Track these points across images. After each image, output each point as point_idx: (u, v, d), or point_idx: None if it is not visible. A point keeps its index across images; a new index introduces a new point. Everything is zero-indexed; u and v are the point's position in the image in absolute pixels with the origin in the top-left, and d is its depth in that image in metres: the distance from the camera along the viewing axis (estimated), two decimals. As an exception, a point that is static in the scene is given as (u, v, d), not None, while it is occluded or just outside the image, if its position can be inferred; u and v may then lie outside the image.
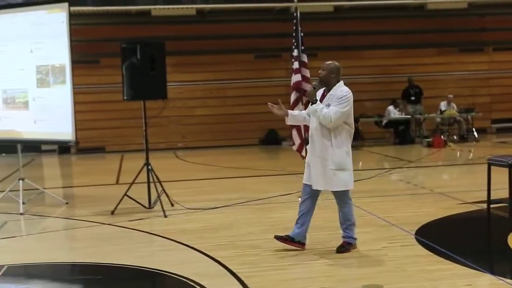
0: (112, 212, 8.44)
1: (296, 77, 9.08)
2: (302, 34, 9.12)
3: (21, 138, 9.45)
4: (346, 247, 6.11)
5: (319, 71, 6.07)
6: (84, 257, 6.39)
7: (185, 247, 6.56)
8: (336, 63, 6.15)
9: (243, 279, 5.37)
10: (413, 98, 17.67)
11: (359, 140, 16.58)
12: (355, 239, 6.20)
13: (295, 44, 9.13)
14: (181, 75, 17.16)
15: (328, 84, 6.04)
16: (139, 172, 8.59)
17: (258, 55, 17.98)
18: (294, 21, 9.16)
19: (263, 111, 17.61)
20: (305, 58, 9.13)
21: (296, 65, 9.10)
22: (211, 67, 17.81)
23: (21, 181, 9.26)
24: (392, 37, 18.41)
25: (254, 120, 17.32)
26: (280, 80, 17.34)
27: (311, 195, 6.18)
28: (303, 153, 9.00)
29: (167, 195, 8.72)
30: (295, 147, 9.16)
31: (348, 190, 6.12)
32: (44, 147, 17.07)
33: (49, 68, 9.01)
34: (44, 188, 10.26)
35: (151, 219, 8.11)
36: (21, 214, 8.61)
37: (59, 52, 8.87)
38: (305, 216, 6.19)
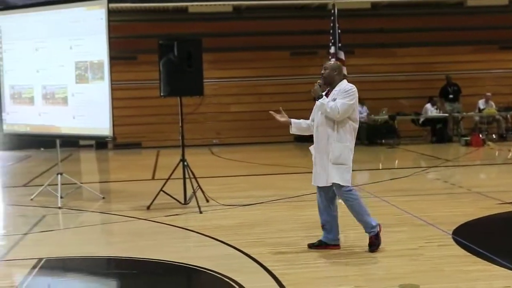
0: (148, 207, 8.51)
1: (332, 74, 9.01)
2: (339, 31, 9.06)
3: (60, 133, 9.58)
4: (374, 242, 6.04)
5: (322, 71, 6.08)
6: (120, 252, 6.45)
7: (220, 243, 6.58)
8: (337, 63, 6.29)
9: (277, 276, 5.37)
10: (451, 96, 17.44)
11: (395, 138, 16.45)
12: (377, 224, 6.08)
13: (332, 41, 9.11)
14: (217, 72, 17.21)
15: (332, 82, 6.05)
16: (175, 168, 8.64)
17: (294, 52, 17.92)
18: (332, 18, 9.13)
19: (298, 108, 17.55)
20: (342, 55, 9.11)
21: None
22: (247, 64, 17.83)
23: (59, 175, 9.40)
24: (430, 34, 18.16)
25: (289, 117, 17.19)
26: (315, 77, 17.19)
27: (326, 198, 6.10)
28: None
29: (203, 191, 8.75)
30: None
31: (349, 187, 6.03)
32: (81, 142, 17.28)
33: (87, 64, 9.11)
34: (82, 183, 10.40)
35: (187, 214, 8.16)
36: (59, 208, 8.74)
37: (97, 48, 8.97)
38: (329, 223, 6.14)
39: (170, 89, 8.51)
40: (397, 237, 6.54)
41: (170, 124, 15.83)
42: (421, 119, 17.10)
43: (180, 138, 8.78)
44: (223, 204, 8.60)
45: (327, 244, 6.15)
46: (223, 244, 6.52)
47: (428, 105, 17.03)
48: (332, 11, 9.13)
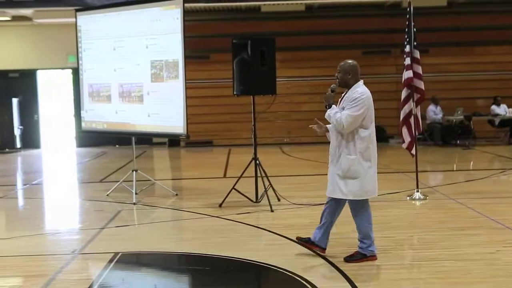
0: (220, 205, 8.60)
1: (407, 74, 8.89)
2: (415, 29, 8.90)
3: (135, 130, 9.79)
4: (355, 256, 5.76)
5: (335, 74, 5.82)
6: (192, 248, 6.54)
7: (291, 242, 6.58)
8: (352, 62, 5.83)
9: (350, 277, 5.32)
10: None
11: (470, 139, 16.04)
12: (371, 251, 5.76)
13: (407, 39, 8.92)
14: (289, 71, 17.20)
15: (347, 85, 5.77)
16: (247, 166, 8.69)
17: (366, 51, 17.72)
18: (407, 16, 8.95)
19: (371, 108, 17.49)
20: (417, 54, 8.92)
21: (408, 61, 8.91)
22: (319, 62, 17.73)
23: (134, 172, 9.61)
24: (506, 32, 17.61)
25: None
26: (388, 76, 17.07)
27: (330, 204, 5.94)
28: (413, 151, 8.81)
29: (274, 190, 8.77)
30: (404, 145, 8.96)
31: (362, 200, 5.73)
32: (154, 140, 17.64)
33: (163, 63, 9.28)
34: (155, 180, 10.60)
35: (258, 213, 8.19)
36: (134, 204, 8.93)
37: (172, 47, 9.12)
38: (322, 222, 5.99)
39: (243, 88, 8.57)
40: (474, 240, 6.38)
41: (242, 122, 15.97)
42: (497, 121, 16.58)
43: (252, 136, 8.83)
44: (294, 203, 8.59)
45: (313, 243, 5.97)
46: (294, 243, 6.51)
47: (494, 106, 16.49)
48: (408, 8, 8.94)
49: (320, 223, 5.99)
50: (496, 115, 16.36)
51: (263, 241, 6.93)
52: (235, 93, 8.72)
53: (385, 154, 15.86)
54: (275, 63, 8.69)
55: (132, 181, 9.40)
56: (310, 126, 6.09)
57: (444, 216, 7.69)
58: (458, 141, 16.02)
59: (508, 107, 16.47)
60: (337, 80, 5.82)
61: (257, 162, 8.65)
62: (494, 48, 17.73)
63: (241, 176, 8.70)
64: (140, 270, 6.16)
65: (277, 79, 8.80)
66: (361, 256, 5.76)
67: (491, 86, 17.43)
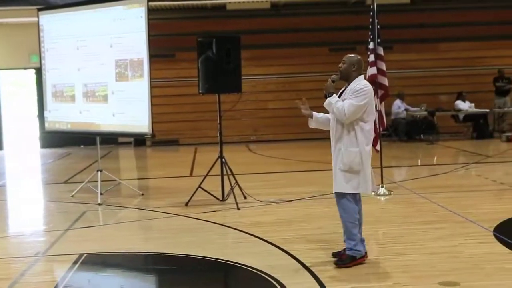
0: (186, 204, 8.57)
1: (371, 70, 8.97)
2: (378, 26, 8.98)
3: (100, 130, 9.70)
4: (344, 260, 5.57)
5: (340, 65, 5.68)
6: (159, 248, 6.51)
7: (258, 239, 6.59)
8: (358, 56, 5.71)
9: (316, 273, 5.35)
10: (500, 86, 17.16)
11: (434, 134, 16.25)
12: (359, 251, 5.58)
13: (371, 36, 9.00)
14: (255, 69, 17.23)
15: (348, 78, 5.62)
16: (213, 165, 8.68)
17: (332, 48, 17.82)
18: (371, 13, 9.03)
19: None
20: (381, 51, 9.00)
21: (372, 58, 8.98)
22: (285, 60, 17.80)
23: (99, 172, 9.53)
24: (472, 28, 17.86)
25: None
26: (354, 73, 17.17)
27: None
28: (378, 147, 8.89)
29: (240, 188, 8.78)
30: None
31: (354, 194, 5.60)
32: (120, 140, 17.51)
33: (127, 62, 9.21)
34: (121, 180, 10.52)
35: (225, 211, 8.19)
36: (99, 204, 8.85)
37: (137, 46, 9.05)
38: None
39: (208, 86, 8.56)
40: (438, 234, 6.47)
41: (208, 121, 15.94)
42: (461, 116, 16.83)
43: (218, 135, 8.82)
44: (261, 201, 8.61)
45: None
46: (261, 241, 6.53)
47: (458, 101, 16.74)
48: (372, 6, 9.02)
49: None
50: (460, 110, 16.60)
51: (229, 239, 6.93)
52: (200, 91, 8.70)
53: (351, 150, 15.97)
54: (241, 61, 8.68)
55: (97, 181, 9.32)
56: (296, 101, 5.86)
57: (408, 210, 7.79)
58: (422, 136, 16.23)
59: (471, 102, 16.74)
60: (339, 71, 5.68)
61: (223, 160, 8.65)
62: (458, 44, 17.97)
63: (207, 175, 8.69)
64: (106, 271, 6.10)
65: (242, 77, 8.81)
66: (351, 259, 5.56)
67: (455, 82, 17.68)
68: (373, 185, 5.71)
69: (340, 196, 5.64)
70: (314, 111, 5.88)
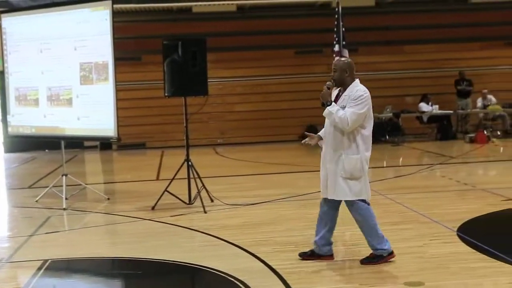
0: (153, 208, 8.52)
1: (336, 73, 9.00)
2: (343, 29, 9.05)
3: (65, 134, 9.59)
4: (373, 259, 5.61)
5: (332, 74, 5.60)
6: (125, 252, 6.46)
7: (225, 242, 6.58)
8: (347, 60, 5.66)
9: (283, 275, 5.36)
10: (462, 91, 17.43)
11: (399, 135, 16.43)
12: (385, 250, 5.63)
13: (336, 39, 9.08)
14: (221, 71, 17.21)
15: (343, 84, 5.54)
16: (180, 168, 8.65)
17: (298, 51, 17.91)
18: (336, 16, 9.10)
19: (303, 107, 17.71)
20: (346, 53, 9.09)
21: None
22: (251, 63, 17.82)
23: (64, 176, 9.41)
24: (435, 31, 18.11)
25: (294, 116, 17.25)
26: (320, 75, 17.24)
27: (327, 209, 5.73)
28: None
29: (207, 191, 8.76)
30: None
31: (362, 200, 5.60)
32: (86, 144, 17.33)
33: (92, 66, 9.13)
34: (86, 184, 10.42)
35: (191, 214, 8.16)
36: (64, 209, 8.75)
37: (102, 49, 8.98)
38: (321, 231, 5.76)
39: (174, 89, 8.52)
40: (403, 235, 6.53)
41: (175, 124, 15.87)
42: (425, 118, 17.04)
43: (185, 138, 8.79)
44: (227, 204, 8.60)
45: (320, 255, 5.78)
46: (228, 244, 6.52)
47: (422, 103, 16.96)
48: (336, 9, 9.09)
49: (320, 233, 5.76)
50: (423, 112, 16.81)
51: (196, 242, 6.90)
52: (166, 94, 8.66)
53: (318, 152, 16.03)
54: (207, 64, 8.66)
55: (62, 186, 9.21)
56: (302, 142, 5.81)
57: (375, 212, 7.77)
58: (387, 138, 16.40)
59: (435, 104, 16.96)
60: (332, 78, 5.59)
61: (190, 163, 8.63)
62: (422, 46, 18.20)
63: (173, 178, 8.65)
64: (71, 277, 6.03)
65: (209, 80, 8.80)
66: (379, 258, 5.59)
67: (419, 84, 17.90)
68: None
69: (349, 203, 5.61)
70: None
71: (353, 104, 5.42)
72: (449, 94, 17.67)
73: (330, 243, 5.79)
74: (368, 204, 5.65)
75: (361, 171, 5.51)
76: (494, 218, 7.40)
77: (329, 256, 5.79)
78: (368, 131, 5.56)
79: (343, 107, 5.46)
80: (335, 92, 5.67)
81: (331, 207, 5.70)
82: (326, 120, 5.64)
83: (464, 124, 17.62)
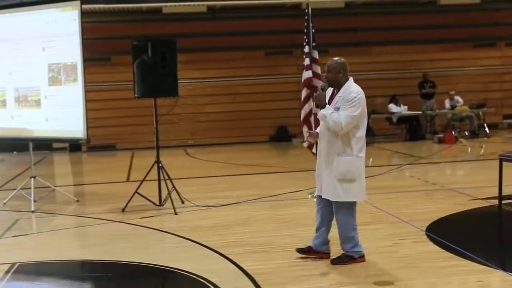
0: (123, 210, 8.46)
1: (307, 74, 9.06)
2: (313, 30, 9.09)
3: (33, 136, 9.48)
4: (343, 258, 5.63)
5: (325, 74, 5.62)
6: (95, 255, 6.41)
7: (196, 244, 6.57)
8: (340, 60, 5.65)
9: (253, 276, 5.37)
10: (427, 92, 17.62)
11: (369, 136, 16.54)
12: (359, 252, 5.66)
13: (306, 40, 9.10)
14: (191, 72, 17.15)
15: (338, 84, 5.56)
16: (150, 170, 8.60)
17: (269, 52, 17.93)
18: (306, 17, 9.13)
19: (274, 108, 17.75)
20: (316, 55, 9.11)
21: (307, 61, 9.08)
22: (221, 64, 17.80)
23: (32, 179, 9.30)
24: (404, 32, 18.28)
25: (264, 117, 17.28)
26: (290, 76, 17.30)
27: (324, 206, 5.75)
28: (314, 150, 8.98)
29: (178, 193, 8.73)
30: (305, 144, 9.11)
31: (353, 202, 5.63)
32: (55, 145, 17.13)
33: (61, 66, 9.03)
34: (55, 186, 10.31)
35: (162, 216, 8.13)
36: (33, 212, 8.64)
37: (71, 50, 8.88)
38: (321, 228, 5.79)
39: (144, 90, 8.48)
40: (373, 235, 6.58)
41: (145, 125, 15.74)
42: (394, 118, 17.20)
43: (155, 139, 8.75)
44: (198, 205, 8.58)
45: (317, 251, 5.82)
46: (199, 245, 6.51)
47: (391, 105, 17.13)
48: (306, 10, 9.13)
49: (318, 230, 5.80)
50: (393, 113, 16.97)
51: (167, 244, 6.88)
52: (136, 95, 8.61)
53: (289, 153, 16.13)
54: (177, 64, 8.63)
55: (31, 188, 9.09)
56: (304, 141, 5.89)
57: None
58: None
59: (404, 105, 17.13)
60: (326, 80, 5.60)
61: (160, 165, 8.59)
62: (391, 48, 18.37)
63: (144, 180, 8.60)
64: (39, 280, 5.95)
65: (179, 81, 8.76)
66: (349, 258, 5.62)
67: (387, 85, 18.06)
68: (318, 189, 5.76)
69: (338, 204, 5.59)
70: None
71: (347, 106, 5.41)
72: (416, 95, 17.85)
73: (327, 241, 5.82)
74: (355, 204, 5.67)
75: (356, 173, 5.52)
76: (461, 218, 7.50)
77: (326, 254, 5.81)
78: (361, 131, 5.54)
79: (337, 109, 5.46)
80: (329, 92, 5.67)
81: (327, 203, 5.71)
82: (321, 122, 5.65)
83: (433, 125, 17.81)
